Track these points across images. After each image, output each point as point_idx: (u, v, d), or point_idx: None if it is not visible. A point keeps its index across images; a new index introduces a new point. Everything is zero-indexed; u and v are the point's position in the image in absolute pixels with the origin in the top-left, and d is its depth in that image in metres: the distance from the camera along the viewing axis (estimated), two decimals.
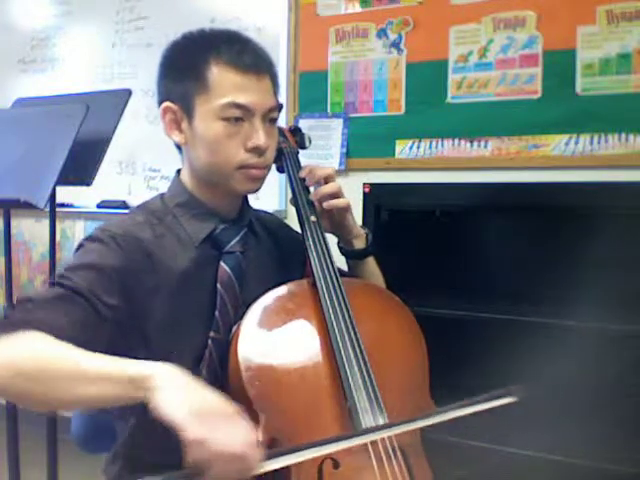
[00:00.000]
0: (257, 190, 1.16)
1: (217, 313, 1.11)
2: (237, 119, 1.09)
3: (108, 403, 0.91)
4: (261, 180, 1.15)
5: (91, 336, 0.98)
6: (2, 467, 1.98)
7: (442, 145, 2.25)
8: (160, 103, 1.15)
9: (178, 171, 1.21)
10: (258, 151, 1.11)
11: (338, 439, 0.90)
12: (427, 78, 2.27)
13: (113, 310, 1.02)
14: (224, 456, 0.79)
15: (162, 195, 1.20)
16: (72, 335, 0.95)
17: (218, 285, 1.12)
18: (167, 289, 1.09)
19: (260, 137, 1.10)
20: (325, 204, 1.22)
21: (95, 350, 0.93)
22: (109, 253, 1.05)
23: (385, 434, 0.98)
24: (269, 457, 0.84)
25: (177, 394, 0.83)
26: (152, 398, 0.83)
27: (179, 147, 1.18)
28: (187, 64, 1.11)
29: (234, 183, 1.13)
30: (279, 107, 1.16)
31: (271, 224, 1.31)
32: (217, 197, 1.17)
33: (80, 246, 1.09)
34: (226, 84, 1.08)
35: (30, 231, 3.21)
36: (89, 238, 1.09)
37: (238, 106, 1.08)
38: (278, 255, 1.26)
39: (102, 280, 1.02)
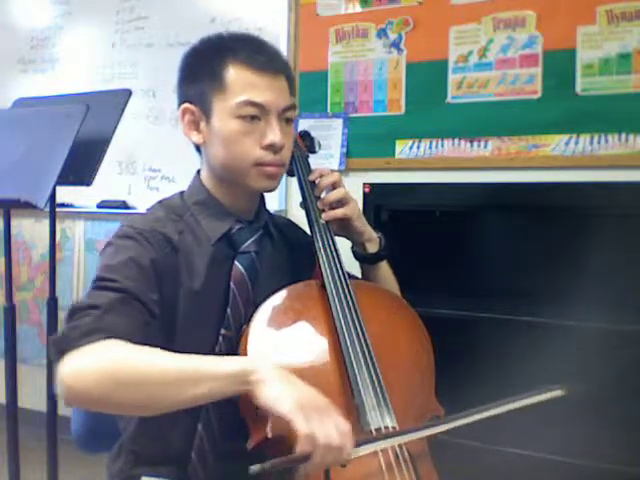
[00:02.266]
0: (274, 189, 1.17)
1: (229, 311, 1.12)
2: (253, 117, 1.11)
3: (214, 399, 0.94)
4: (277, 178, 1.16)
5: (149, 336, 1.00)
6: (2, 467, 1.98)
7: (442, 145, 2.25)
8: (179, 106, 1.17)
9: (198, 171, 1.23)
10: (273, 148, 1.12)
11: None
12: (427, 78, 2.27)
13: (157, 305, 1.05)
14: (327, 448, 0.86)
15: (182, 193, 1.22)
16: (138, 339, 0.96)
17: (231, 283, 1.13)
18: (187, 285, 1.11)
19: (276, 134, 1.11)
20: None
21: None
22: (141, 249, 1.07)
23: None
24: (357, 445, 0.91)
25: (281, 387, 0.89)
26: (257, 391, 0.90)
27: (198, 149, 1.20)
28: (205, 66, 1.13)
29: (249, 180, 1.14)
30: (294, 108, 1.17)
31: (284, 226, 1.33)
32: (234, 196, 1.18)
33: (109, 244, 1.10)
34: (242, 83, 1.10)
35: (30, 231, 3.20)
36: (118, 236, 1.10)
37: (253, 104, 1.10)
38: (290, 257, 1.27)
39: (143, 276, 1.05)
